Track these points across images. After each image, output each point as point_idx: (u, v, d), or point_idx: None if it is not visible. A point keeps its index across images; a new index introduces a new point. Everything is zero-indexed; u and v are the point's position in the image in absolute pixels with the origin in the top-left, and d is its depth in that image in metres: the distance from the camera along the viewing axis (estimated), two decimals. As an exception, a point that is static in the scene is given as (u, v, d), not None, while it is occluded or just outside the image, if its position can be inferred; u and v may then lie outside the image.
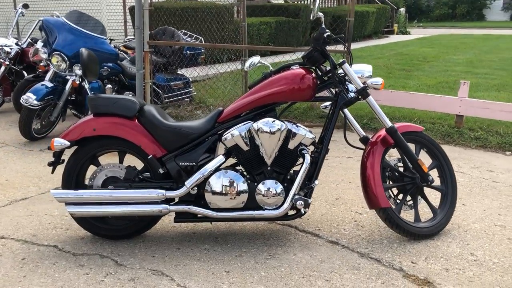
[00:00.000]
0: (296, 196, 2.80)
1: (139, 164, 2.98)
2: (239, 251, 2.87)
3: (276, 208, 2.82)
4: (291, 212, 2.88)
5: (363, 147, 3.10)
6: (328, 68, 2.96)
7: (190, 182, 2.78)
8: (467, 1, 41.41)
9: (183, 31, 6.70)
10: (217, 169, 2.83)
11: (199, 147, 2.87)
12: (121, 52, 6.08)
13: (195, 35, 6.69)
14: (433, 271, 2.64)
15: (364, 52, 13.22)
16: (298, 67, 2.96)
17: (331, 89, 3.04)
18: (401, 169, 3.08)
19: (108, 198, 2.78)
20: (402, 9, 22.33)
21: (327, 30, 2.80)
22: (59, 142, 2.77)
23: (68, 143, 2.79)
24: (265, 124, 2.79)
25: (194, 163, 2.84)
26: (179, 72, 6.64)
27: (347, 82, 2.97)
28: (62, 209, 3.41)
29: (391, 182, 3.07)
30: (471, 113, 5.43)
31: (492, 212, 3.42)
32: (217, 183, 2.79)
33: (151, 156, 2.81)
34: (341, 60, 2.91)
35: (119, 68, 5.71)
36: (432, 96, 5.77)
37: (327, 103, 3.16)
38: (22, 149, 4.90)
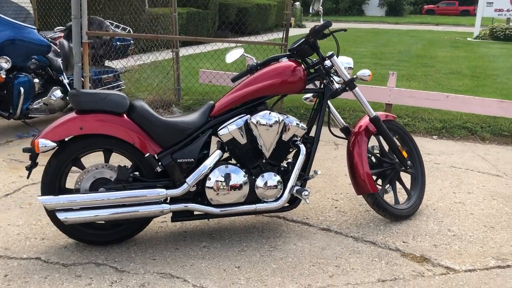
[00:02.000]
0: (297, 187, 2.84)
1: (116, 162, 2.80)
2: (240, 245, 2.84)
3: (276, 200, 2.84)
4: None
5: (344, 136, 3.24)
6: (315, 60, 3.03)
7: (191, 179, 2.69)
8: (349, -4, 44.16)
9: (109, 21, 6.33)
10: (215, 165, 2.76)
11: (195, 143, 2.77)
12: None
13: (122, 26, 6.36)
14: (425, 248, 2.86)
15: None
16: (286, 59, 2.99)
17: (315, 81, 3.11)
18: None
19: (105, 201, 2.57)
20: (298, 3, 23.23)
21: (332, 23, 2.86)
22: (44, 143, 2.50)
23: (54, 144, 2.53)
24: (263, 117, 2.79)
25: (192, 159, 2.74)
26: (106, 64, 6.28)
27: (332, 74, 3.07)
28: (26, 217, 3.10)
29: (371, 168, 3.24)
30: (400, 102, 5.88)
31: (448, 191, 3.77)
32: (219, 178, 2.73)
33: (148, 154, 2.65)
34: (330, 53, 2.99)
35: (46, 60, 5.22)
36: (362, 86, 6.13)
37: (309, 95, 3.24)
38: None
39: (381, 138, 3.22)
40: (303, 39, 2.96)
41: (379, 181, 3.25)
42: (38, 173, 3.90)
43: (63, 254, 2.69)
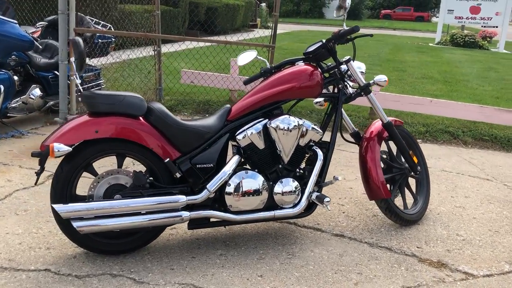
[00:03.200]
0: (316, 194, 2.80)
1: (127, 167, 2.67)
2: (257, 253, 2.77)
3: (293, 206, 2.79)
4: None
5: (353, 141, 3.23)
6: (330, 64, 3.00)
7: (212, 185, 2.59)
8: (310, -1, 44.72)
9: (88, 17, 6.09)
10: (234, 170, 2.68)
11: (213, 147, 2.68)
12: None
13: (102, 22, 6.13)
14: (439, 253, 2.89)
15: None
16: (302, 63, 2.95)
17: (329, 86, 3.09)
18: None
19: (124, 208, 2.44)
20: (264, 4, 23.26)
21: (359, 28, 2.83)
22: (59, 147, 2.34)
23: (69, 148, 2.38)
24: (282, 121, 2.73)
25: (212, 165, 2.65)
26: (86, 62, 6.02)
27: (346, 79, 3.05)
28: (24, 225, 2.92)
29: (381, 174, 3.25)
30: (384, 106, 5.94)
31: (446, 196, 3.84)
32: (239, 184, 2.65)
33: (168, 159, 2.54)
34: (347, 57, 2.97)
35: (25, 57, 4.96)
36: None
37: (320, 99, 3.20)
38: None
39: (388, 143, 3.24)
40: (320, 43, 2.93)
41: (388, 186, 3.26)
42: (27, 176, 3.70)
43: (74, 265, 2.54)
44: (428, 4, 59.61)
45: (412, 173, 3.25)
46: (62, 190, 2.46)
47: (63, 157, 2.46)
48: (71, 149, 2.38)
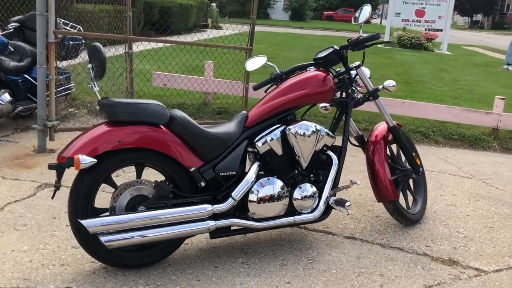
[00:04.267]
0: (335, 198, 2.84)
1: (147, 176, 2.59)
2: (277, 259, 2.77)
3: (312, 211, 2.81)
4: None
5: (357, 144, 3.30)
6: (339, 70, 3.05)
7: (237, 193, 2.56)
8: (255, -1, 44.90)
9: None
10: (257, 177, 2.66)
11: (234, 154, 2.65)
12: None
13: (71, 23, 5.86)
14: (448, 251, 3.01)
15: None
16: (313, 68, 2.97)
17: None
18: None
19: (153, 220, 2.36)
20: (214, 4, 23.15)
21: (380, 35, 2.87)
22: (85, 159, 2.23)
23: (94, 160, 2.26)
24: (301, 127, 2.75)
25: (235, 172, 2.62)
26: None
27: (354, 84, 3.10)
28: (29, 241, 2.76)
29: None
30: (359, 108, 6.10)
31: (435, 194, 4.00)
32: (262, 191, 2.63)
33: (194, 168, 2.48)
34: (357, 63, 3.03)
35: (-6, 60, 4.67)
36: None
37: (325, 104, 3.23)
38: None
39: (390, 146, 3.33)
40: (332, 49, 2.97)
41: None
42: (15, 188, 3.48)
43: (96, 281, 2.42)
44: (368, 6, 61.74)
45: (414, 174, 3.36)
46: (84, 203, 2.34)
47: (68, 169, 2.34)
48: (96, 160, 2.27)
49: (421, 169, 3.37)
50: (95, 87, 2.43)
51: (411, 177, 3.39)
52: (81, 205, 2.33)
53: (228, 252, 2.81)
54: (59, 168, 2.31)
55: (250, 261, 2.72)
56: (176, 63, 6.85)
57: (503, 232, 3.33)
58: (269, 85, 3.02)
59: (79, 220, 2.26)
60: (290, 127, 2.73)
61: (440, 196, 3.95)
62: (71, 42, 5.57)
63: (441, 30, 17.45)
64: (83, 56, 6.40)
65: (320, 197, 2.82)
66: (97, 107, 2.46)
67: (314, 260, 2.79)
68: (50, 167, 2.32)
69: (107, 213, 2.44)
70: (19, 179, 3.69)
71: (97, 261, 2.54)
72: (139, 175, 2.56)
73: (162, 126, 2.47)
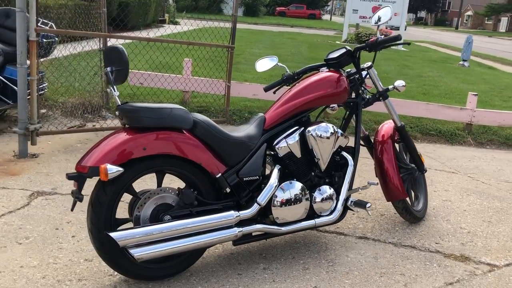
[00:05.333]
0: (354, 199, 2.83)
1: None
2: (298, 263, 2.73)
3: (330, 213, 2.79)
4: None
5: (363, 144, 3.31)
6: (349, 70, 3.05)
7: (262, 198, 2.50)
8: (209, -6, 44.60)
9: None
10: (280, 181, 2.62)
11: (256, 158, 2.59)
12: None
13: (42, 19, 5.56)
14: (457, 247, 3.08)
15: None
16: (326, 69, 2.95)
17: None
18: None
19: (183, 230, 2.26)
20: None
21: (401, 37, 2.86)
22: (112, 168, 2.10)
23: (121, 169, 2.14)
24: (319, 129, 2.72)
25: (258, 176, 2.56)
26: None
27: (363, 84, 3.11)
28: (37, 256, 2.60)
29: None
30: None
31: (429, 190, 4.02)
32: (285, 195, 2.59)
33: (220, 174, 2.40)
34: (369, 64, 3.03)
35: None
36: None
37: (333, 104, 3.22)
38: None
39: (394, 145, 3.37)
40: (344, 50, 2.95)
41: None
42: (5, 197, 3.25)
43: (121, 296, 2.30)
44: (319, 2, 62.73)
45: (419, 172, 3.41)
46: (107, 215, 2.21)
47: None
48: (123, 169, 2.14)
49: (425, 167, 3.43)
50: (115, 91, 2.29)
51: (415, 175, 3.45)
52: (104, 217, 2.20)
53: (247, 258, 2.75)
54: (80, 178, 2.17)
55: (272, 267, 2.67)
56: (146, 61, 6.66)
57: (501, 226, 3.45)
58: (278, 87, 2.98)
59: (109, 234, 2.12)
60: (310, 129, 2.70)
61: (434, 192, 4.04)
62: (44, 40, 5.27)
63: (398, 28, 17.93)
64: (56, 54, 6.12)
65: (337, 198, 2.81)
66: (116, 113, 2.32)
67: (334, 262, 2.78)
68: (70, 177, 2.17)
69: (122, 224, 2.32)
70: (7, 187, 3.45)
71: (116, 273, 2.42)
72: (160, 182, 2.45)
73: (184, 131, 2.37)
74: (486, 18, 61.62)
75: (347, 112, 3.11)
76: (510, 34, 47.57)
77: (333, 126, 2.77)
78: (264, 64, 3.04)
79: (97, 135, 4.93)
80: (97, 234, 2.20)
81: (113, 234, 2.12)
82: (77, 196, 2.18)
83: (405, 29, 17.48)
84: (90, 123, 5.39)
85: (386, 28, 17.67)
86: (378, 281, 2.62)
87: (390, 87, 3.12)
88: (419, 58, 14.49)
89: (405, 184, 3.35)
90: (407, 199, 3.23)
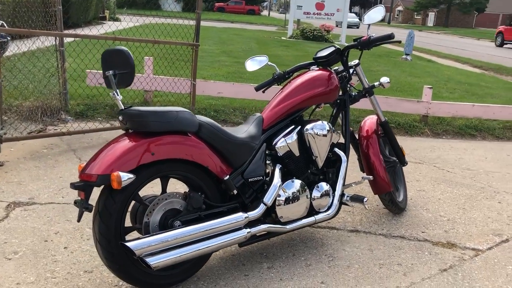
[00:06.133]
0: (349, 195, 2.90)
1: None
2: (300, 260, 2.76)
3: (328, 209, 2.84)
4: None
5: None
6: (337, 68, 3.11)
7: (268, 198, 2.50)
8: (146, -11, 43.75)
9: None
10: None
11: (257, 159, 2.58)
12: None
13: (-8, 18, 5.23)
14: (441, 235, 3.23)
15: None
16: (316, 67, 2.99)
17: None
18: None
19: (197, 234, 2.22)
20: (110, -5, 21.97)
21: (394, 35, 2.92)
22: (125, 176, 2.02)
23: (133, 176, 2.07)
24: (317, 127, 2.76)
25: (262, 177, 2.56)
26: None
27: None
28: (32, 271, 2.48)
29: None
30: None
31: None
32: (287, 194, 2.60)
33: (228, 177, 2.37)
34: (356, 61, 3.10)
35: None
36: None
37: (321, 102, 3.28)
38: None
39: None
40: (333, 48, 3.00)
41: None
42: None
43: (132, 306, 2.23)
44: (257, -3, 63.07)
45: (401, 165, 3.55)
46: (117, 224, 2.13)
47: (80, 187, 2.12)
48: (134, 176, 2.07)
49: (407, 160, 3.57)
50: (118, 95, 2.20)
51: (396, 168, 3.58)
52: (114, 227, 2.12)
53: (249, 258, 2.74)
54: (88, 187, 2.07)
55: (276, 265, 2.69)
56: (97, 60, 6.41)
57: (475, 212, 3.66)
58: (267, 86, 2.99)
59: (124, 244, 2.05)
60: (307, 127, 2.73)
61: (407, 183, 4.20)
62: (-3, 40, 4.97)
63: (340, 25, 18.38)
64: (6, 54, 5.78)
65: (333, 194, 2.87)
66: (120, 117, 2.22)
67: (333, 257, 2.83)
68: (76, 187, 2.07)
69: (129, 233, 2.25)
70: (-23, 200, 3.23)
71: (122, 284, 2.34)
72: (164, 187, 2.38)
73: (189, 134, 2.33)
74: (415, 13, 64.59)
75: (335, 110, 3.16)
76: (438, 28, 50.28)
77: (328, 123, 2.82)
78: (254, 64, 3.03)
79: (62, 140, 4.72)
80: (107, 245, 2.12)
81: (129, 244, 2.04)
82: (86, 206, 2.08)
83: (357, 27, 17.96)
84: (50, 126, 5.14)
85: (335, 26, 18.08)
86: (379, 272, 2.70)
87: (376, 83, 3.22)
88: (364, 53, 14.93)
89: (390, 175, 3.47)
90: (393, 191, 3.35)
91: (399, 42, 3.17)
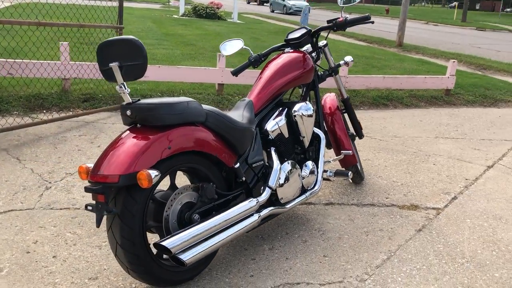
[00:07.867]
0: (333, 170, 3.04)
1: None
2: (295, 238, 2.86)
3: (314, 186, 2.96)
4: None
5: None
6: (307, 49, 3.19)
7: (272, 182, 2.54)
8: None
9: None
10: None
11: (256, 143, 2.60)
12: None
13: None
14: (403, 198, 3.54)
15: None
16: (290, 49, 3.05)
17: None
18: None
19: (219, 226, 2.19)
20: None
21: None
22: (153, 173, 1.92)
23: (159, 173, 1.97)
24: (302, 108, 2.85)
25: (262, 162, 2.58)
26: None
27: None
28: (29, 286, 2.24)
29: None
30: (229, 81, 6.28)
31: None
32: (286, 176, 2.66)
33: (238, 164, 2.36)
34: (324, 42, 3.21)
35: None
36: (198, 68, 6.22)
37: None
38: None
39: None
40: (305, 30, 3.07)
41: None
42: None
43: (158, 307, 2.15)
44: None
45: (357, 137, 3.78)
46: (140, 223, 2.03)
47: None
48: (161, 173, 1.98)
49: (363, 133, 3.81)
50: (125, 88, 2.05)
51: (354, 141, 3.80)
52: (138, 228, 2.01)
53: (248, 242, 2.77)
54: (107, 189, 1.93)
55: (276, 245, 2.75)
56: (4, 48, 5.78)
57: (420, 175, 4.05)
58: (243, 70, 2.99)
59: (160, 243, 1.95)
60: (295, 109, 2.80)
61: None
62: None
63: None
64: None
65: (317, 171, 2.99)
66: (128, 112, 2.07)
67: (323, 230, 2.97)
68: (95, 190, 1.92)
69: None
70: None
71: (135, 285, 2.24)
72: (173, 181, 2.30)
73: (198, 124, 2.26)
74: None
75: (304, 89, 3.26)
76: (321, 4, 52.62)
77: (311, 104, 2.91)
78: (230, 48, 3.00)
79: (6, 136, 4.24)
80: (131, 248, 2.01)
81: (165, 243, 1.96)
82: (107, 209, 1.94)
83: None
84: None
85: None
86: (368, 239, 2.90)
87: (341, 62, 3.36)
88: (261, 30, 15.25)
89: (348, 149, 3.69)
90: (358, 163, 3.57)
91: (373, 23, 3.34)
